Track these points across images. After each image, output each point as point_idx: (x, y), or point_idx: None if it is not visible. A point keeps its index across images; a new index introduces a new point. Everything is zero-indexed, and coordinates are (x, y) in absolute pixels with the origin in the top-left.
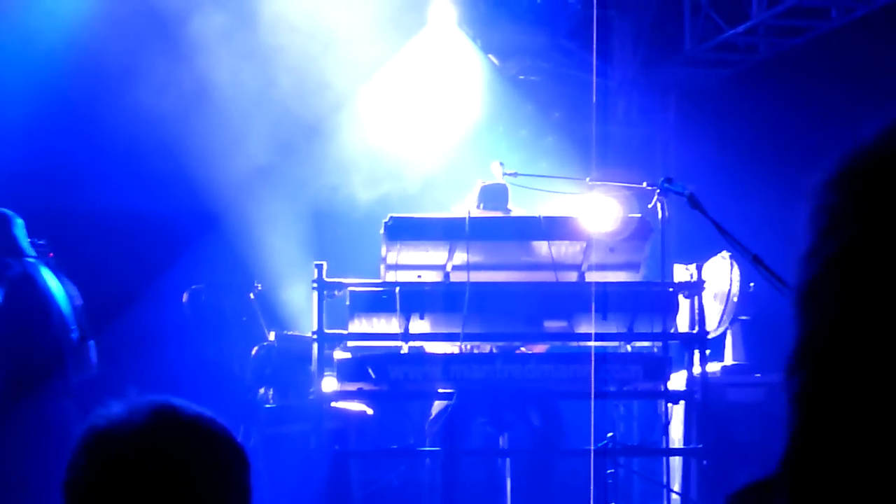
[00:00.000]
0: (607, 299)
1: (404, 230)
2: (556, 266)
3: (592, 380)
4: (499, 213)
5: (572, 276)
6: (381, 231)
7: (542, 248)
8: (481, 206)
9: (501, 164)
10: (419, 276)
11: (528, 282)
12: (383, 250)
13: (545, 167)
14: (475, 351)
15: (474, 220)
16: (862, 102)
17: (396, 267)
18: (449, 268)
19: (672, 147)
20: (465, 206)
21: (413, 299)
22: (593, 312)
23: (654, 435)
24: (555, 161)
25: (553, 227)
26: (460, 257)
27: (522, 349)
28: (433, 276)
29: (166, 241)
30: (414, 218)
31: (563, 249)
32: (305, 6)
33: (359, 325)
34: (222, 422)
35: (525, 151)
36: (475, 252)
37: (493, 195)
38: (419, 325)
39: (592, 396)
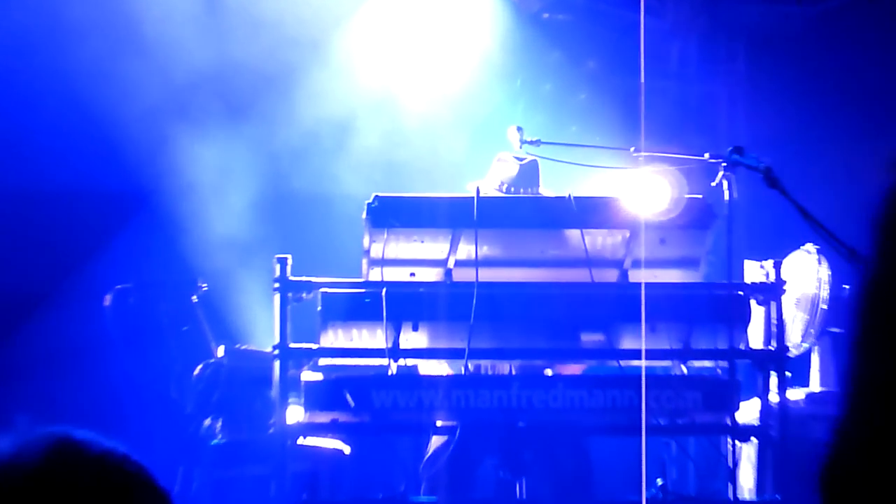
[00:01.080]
0: (657, 305)
1: (393, 214)
2: (591, 262)
3: (642, 411)
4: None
5: (612, 276)
6: (364, 215)
7: (572, 238)
8: (504, 187)
9: (519, 129)
10: (412, 275)
11: (555, 282)
12: (366, 241)
13: (576, 133)
14: (485, 372)
15: (484, 202)
16: None
17: (383, 262)
18: (451, 263)
19: (741, 107)
20: (485, 186)
21: (404, 304)
22: (643, 323)
23: (717, 482)
24: (589, 125)
25: (587, 212)
26: (466, 250)
27: (547, 371)
28: (431, 275)
29: (84, 227)
30: (406, 198)
31: (600, 241)
32: None
33: (334, 338)
34: (145, 462)
35: (550, 112)
36: (486, 243)
37: (526, 175)
38: (412, 339)
39: (643, 432)
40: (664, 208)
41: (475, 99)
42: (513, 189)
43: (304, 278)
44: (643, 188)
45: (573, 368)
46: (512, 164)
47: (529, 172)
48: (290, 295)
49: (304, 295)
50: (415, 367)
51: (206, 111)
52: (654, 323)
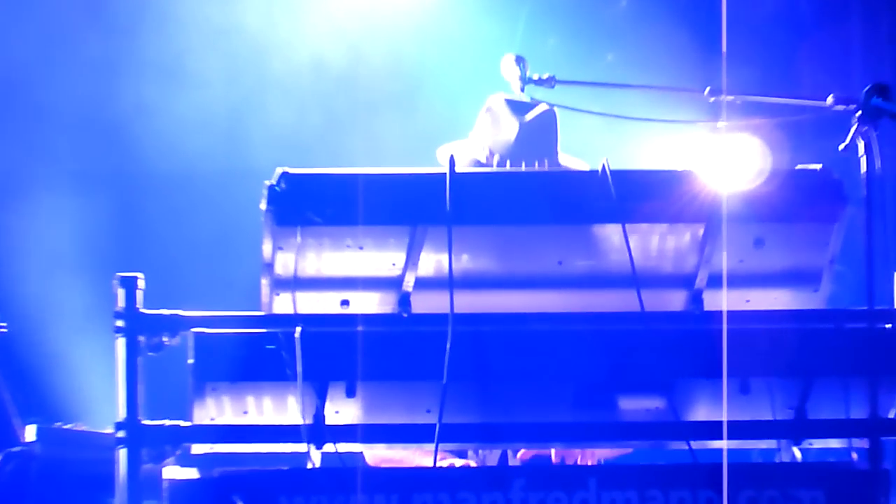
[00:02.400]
0: (751, 349)
1: (312, 202)
2: (639, 279)
3: None
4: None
5: (675, 301)
6: (263, 205)
7: (609, 239)
8: (496, 157)
9: (520, 59)
10: (345, 304)
11: (581, 313)
12: (267, 248)
13: (613, 65)
14: (468, 463)
15: (464, 182)
16: None
17: (296, 284)
18: (409, 284)
19: (886, 26)
20: (464, 154)
21: (332, 352)
22: (724, 379)
23: None
24: (634, 52)
25: (633, 195)
26: (434, 262)
27: (568, 458)
28: (375, 303)
29: None
30: (332, 177)
31: (654, 243)
32: None
33: (216, 411)
34: None
35: (569, 31)
36: (467, 250)
37: (532, 135)
38: (346, 409)
39: None
40: (759, 187)
41: (447, 17)
42: (511, 160)
43: (165, 311)
44: (724, 155)
45: (607, 453)
46: (509, 119)
47: (538, 131)
48: (141, 339)
49: (165, 339)
50: (353, 455)
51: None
52: (747, 378)
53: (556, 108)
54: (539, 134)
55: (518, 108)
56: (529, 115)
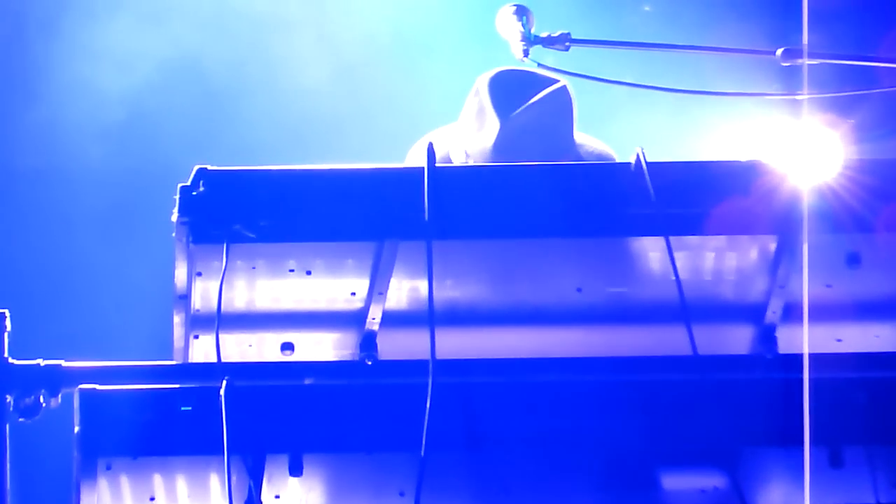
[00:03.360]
0: (845, 407)
1: (241, 209)
2: (689, 311)
3: None
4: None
5: (739, 339)
6: (174, 216)
7: (646, 256)
8: (488, 153)
9: (522, 10)
10: (287, 349)
11: (610, 358)
12: (181, 273)
13: (651, 18)
14: None
15: (449, 179)
16: None
17: (220, 322)
18: (374, 320)
19: None
20: (450, 144)
21: (271, 417)
22: (806, 449)
23: None
24: (673, 4)
25: (678, 196)
26: (407, 290)
27: None
28: (328, 347)
29: None
30: (268, 174)
31: (709, 262)
32: None
33: (110, 496)
34: None
35: None
36: (452, 274)
37: (540, 118)
38: (288, 494)
39: None
40: (838, 186)
41: None
42: (510, 153)
43: (41, 361)
44: (806, 141)
45: None
46: (489, 115)
47: (548, 112)
48: (9, 399)
49: (42, 400)
50: None
51: None
52: (838, 446)
53: (566, 83)
54: (546, 115)
55: (509, 93)
56: (519, 109)
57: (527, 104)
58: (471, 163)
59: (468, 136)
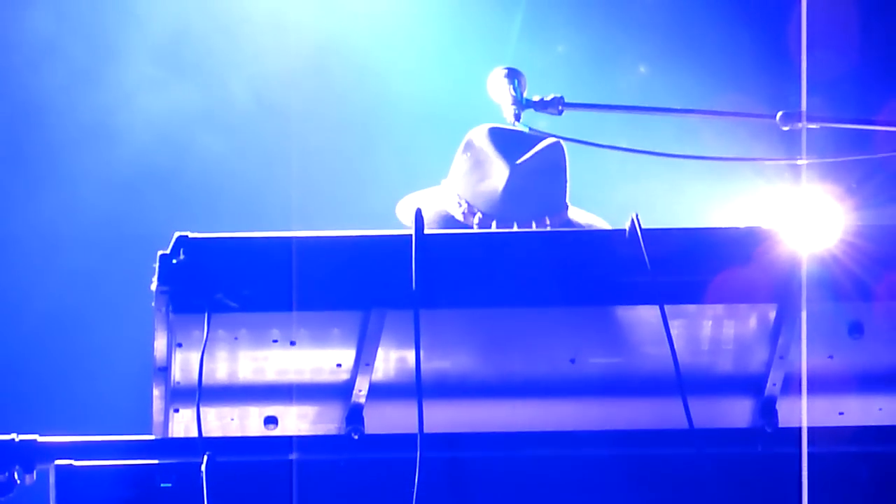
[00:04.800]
0: (848, 485)
1: (223, 278)
2: (685, 383)
3: None
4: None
5: (738, 412)
6: (154, 285)
7: (641, 326)
8: (476, 218)
9: (513, 73)
10: (270, 423)
11: (603, 432)
12: (160, 344)
13: (646, 79)
14: None
15: (438, 246)
16: None
17: (201, 395)
18: (360, 393)
19: None
20: (435, 208)
21: (252, 492)
22: None
23: None
24: (669, 67)
25: (673, 263)
26: (395, 360)
27: None
28: (312, 421)
29: None
30: (251, 241)
31: (706, 330)
32: None
33: None
34: None
35: (581, 39)
36: (441, 346)
37: (532, 183)
38: None
39: None
40: (854, 250)
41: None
42: (498, 220)
43: (15, 436)
44: (807, 207)
45: None
46: (495, 162)
47: (538, 177)
48: None
49: (16, 476)
50: None
51: None
52: None
53: (561, 142)
54: (539, 181)
55: (509, 144)
56: (526, 156)
57: (531, 152)
58: (477, 217)
59: (467, 188)
